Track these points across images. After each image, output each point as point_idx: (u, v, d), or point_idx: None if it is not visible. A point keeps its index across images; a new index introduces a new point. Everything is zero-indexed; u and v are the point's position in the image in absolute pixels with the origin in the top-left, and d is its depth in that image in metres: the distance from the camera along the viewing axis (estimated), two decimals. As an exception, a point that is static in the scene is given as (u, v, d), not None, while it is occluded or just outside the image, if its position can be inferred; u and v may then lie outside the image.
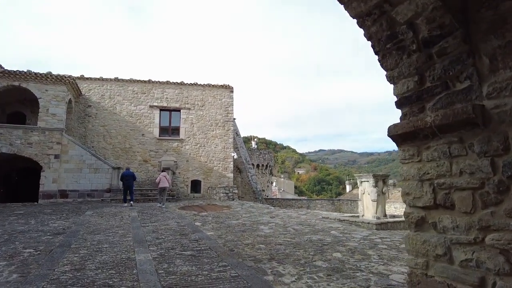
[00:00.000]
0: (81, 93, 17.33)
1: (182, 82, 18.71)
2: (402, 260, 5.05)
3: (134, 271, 4.37)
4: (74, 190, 14.61)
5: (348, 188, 36.60)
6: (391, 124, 2.34)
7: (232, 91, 19.12)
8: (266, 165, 31.05)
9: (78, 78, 17.36)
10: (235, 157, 18.72)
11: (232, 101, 19.19)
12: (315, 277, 4.24)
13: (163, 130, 18.57)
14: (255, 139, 34.88)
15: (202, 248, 5.83)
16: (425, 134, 2.10)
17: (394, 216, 10.05)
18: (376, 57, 2.38)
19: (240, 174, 23.96)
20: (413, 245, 2.20)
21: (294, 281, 4.09)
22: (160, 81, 18.39)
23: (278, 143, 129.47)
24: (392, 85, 2.40)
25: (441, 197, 2.01)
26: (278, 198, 25.25)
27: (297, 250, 5.68)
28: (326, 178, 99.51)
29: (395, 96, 2.39)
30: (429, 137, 2.08)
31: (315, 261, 5.02)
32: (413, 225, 2.21)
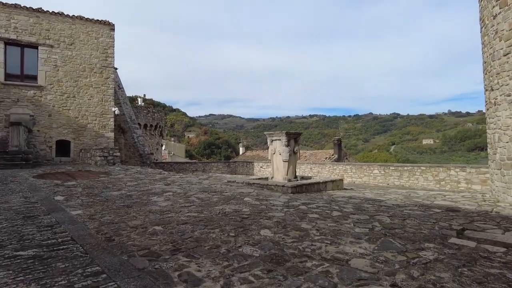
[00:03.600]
0: None
1: (41, 9, 13.97)
2: (348, 234, 3.97)
3: None
4: None
5: (241, 150, 36.62)
6: None
7: (113, 29, 15.36)
8: (156, 126, 27.62)
9: None
10: (116, 113, 15.48)
11: (113, 42, 15.50)
12: (251, 279, 2.69)
13: (13, 73, 13.80)
14: (142, 96, 30.59)
15: (59, 240, 3.62)
16: None
17: (303, 177, 9.37)
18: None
19: (124, 135, 20.61)
20: None
21: (221, 291, 2.46)
22: (4, 2, 13.27)
23: (167, 105, 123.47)
24: None
25: None
26: (170, 162, 22.92)
27: (210, 231, 4.03)
28: (216, 142, 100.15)
29: None
30: None
31: (240, 246, 3.49)
32: None
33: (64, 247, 3.38)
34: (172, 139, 59.82)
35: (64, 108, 14.50)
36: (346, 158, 23.76)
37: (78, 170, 10.94)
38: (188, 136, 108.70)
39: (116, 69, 22.59)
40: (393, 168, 13.72)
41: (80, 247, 3.36)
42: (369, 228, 4.26)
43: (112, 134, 15.30)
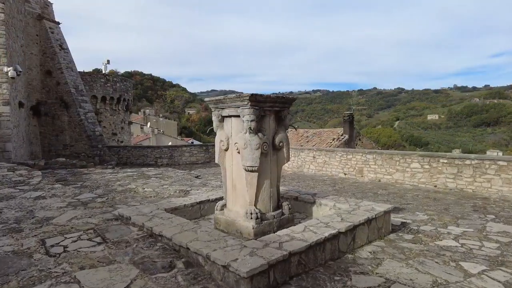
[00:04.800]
0: None
1: None
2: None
3: None
4: None
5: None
6: None
7: None
8: (119, 98, 22.25)
9: None
10: (12, 75, 10.30)
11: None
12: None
13: None
14: (105, 62, 24.57)
15: None
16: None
17: (296, 199, 4.50)
18: None
19: (67, 111, 15.67)
20: None
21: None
22: None
23: (167, 80, 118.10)
24: None
25: None
26: (131, 146, 18.01)
27: None
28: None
29: None
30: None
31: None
32: None
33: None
34: (161, 115, 54.76)
35: None
36: (359, 139, 18.76)
37: None
38: (189, 113, 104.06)
39: (59, 23, 17.32)
40: (444, 161, 8.71)
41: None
42: None
43: (6, 109, 10.17)
